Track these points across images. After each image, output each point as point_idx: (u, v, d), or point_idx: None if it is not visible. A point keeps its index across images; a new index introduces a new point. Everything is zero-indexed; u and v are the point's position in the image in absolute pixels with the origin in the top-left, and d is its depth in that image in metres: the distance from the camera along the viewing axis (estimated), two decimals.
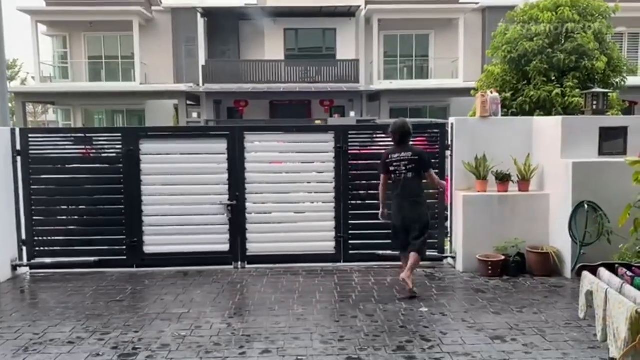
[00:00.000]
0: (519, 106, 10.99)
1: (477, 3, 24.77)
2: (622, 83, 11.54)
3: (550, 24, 10.89)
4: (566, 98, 10.65)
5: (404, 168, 5.76)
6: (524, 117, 8.75)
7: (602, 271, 3.74)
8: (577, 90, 10.54)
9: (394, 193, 5.89)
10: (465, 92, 16.95)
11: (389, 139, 7.19)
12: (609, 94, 8.43)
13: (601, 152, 6.36)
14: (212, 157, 6.93)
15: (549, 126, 6.65)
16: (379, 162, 7.00)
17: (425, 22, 24.54)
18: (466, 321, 4.91)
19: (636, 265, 3.88)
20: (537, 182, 6.74)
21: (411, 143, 6.04)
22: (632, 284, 3.49)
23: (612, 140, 6.36)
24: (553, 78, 11.07)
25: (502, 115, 7.60)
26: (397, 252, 6.16)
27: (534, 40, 10.93)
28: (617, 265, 3.84)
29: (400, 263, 6.72)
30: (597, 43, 10.84)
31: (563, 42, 11.05)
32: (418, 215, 5.81)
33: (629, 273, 3.65)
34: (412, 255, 5.72)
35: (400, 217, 5.82)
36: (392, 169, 5.81)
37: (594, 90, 7.21)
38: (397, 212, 5.85)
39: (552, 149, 6.45)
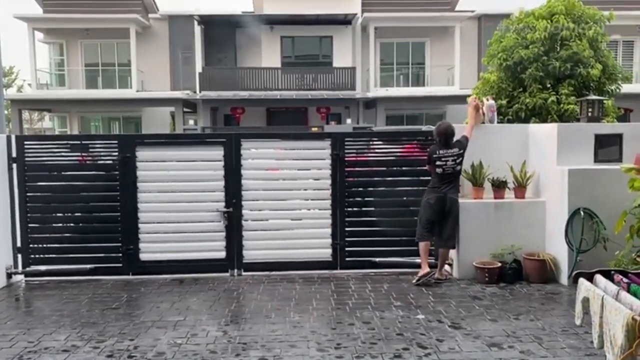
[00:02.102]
0: (515, 113, 11.03)
1: (472, 11, 24.90)
2: (617, 90, 11.59)
3: (545, 31, 10.95)
4: (561, 105, 10.69)
5: (452, 162, 6.30)
6: (519, 124, 8.77)
7: (599, 278, 3.74)
8: (573, 98, 10.58)
9: (436, 186, 6.36)
10: (461, 99, 16.97)
11: (385, 146, 7.25)
12: (604, 102, 8.45)
13: (597, 159, 6.37)
14: (208, 164, 6.92)
15: (544, 133, 6.67)
16: (375, 169, 7.08)
17: (421, 30, 24.65)
18: (463, 328, 4.90)
19: (632, 272, 3.88)
20: (533, 189, 6.75)
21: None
22: (628, 291, 3.49)
23: (607, 147, 6.39)
24: (548, 85, 11.11)
25: (498, 122, 7.62)
26: (394, 259, 6.20)
27: (530, 48, 10.98)
28: (613, 272, 3.84)
29: (397, 270, 6.75)
30: (591, 51, 10.89)
31: (558, 49, 11.10)
32: (456, 212, 6.38)
33: (625, 280, 3.65)
34: (445, 252, 6.43)
35: (440, 210, 6.31)
36: (439, 163, 6.27)
37: (589, 97, 7.24)
38: (436, 205, 6.29)
39: (548, 156, 6.47)
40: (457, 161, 6.33)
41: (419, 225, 6.44)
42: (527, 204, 6.59)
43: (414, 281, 6.27)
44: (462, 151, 6.36)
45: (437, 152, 6.33)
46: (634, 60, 25.02)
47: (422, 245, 6.38)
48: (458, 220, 6.44)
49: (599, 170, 6.15)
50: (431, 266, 6.40)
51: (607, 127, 6.96)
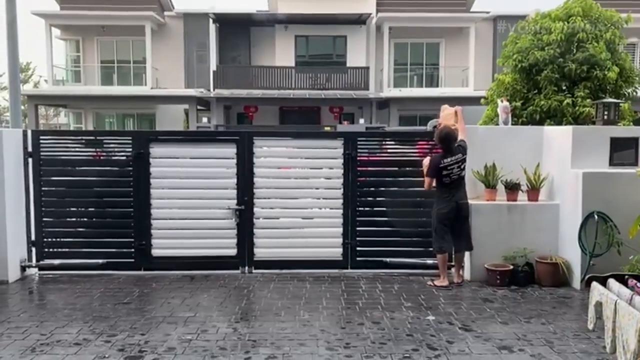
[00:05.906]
0: (530, 115, 10.94)
1: (488, 12, 24.76)
2: (634, 94, 11.46)
3: (561, 33, 10.85)
4: (577, 108, 10.59)
5: (457, 169, 6.22)
6: (534, 127, 8.70)
7: (612, 282, 3.71)
8: (588, 100, 10.47)
9: (447, 195, 6.26)
10: (475, 100, 16.90)
11: (398, 146, 7.23)
12: (621, 105, 8.35)
13: (612, 163, 6.31)
14: (221, 161, 6.96)
15: (559, 136, 6.62)
16: (387, 169, 7.03)
17: (435, 31, 24.56)
18: (473, 330, 4.88)
19: None
20: (547, 192, 6.70)
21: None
22: None
23: (623, 150, 6.32)
24: (564, 88, 11.00)
25: (512, 124, 7.57)
26: (405, 260, 6.13)
27: (545, 50, 10.88)
28: (627, 277, 3.81)
29: (408, 270, 6.72)
30: (608, 53, 10.77)
31: (574, 51, 10.99)
32: (468, 215, 6.35)
33: (639, 284, 3.61)
34: (461, 256, 6.43)
35: (454, 218, 6.25)
36: (445, 172, 6.21)
37: (605, 100, 7.17)
38: (451, 213, 6.23)
39: (562, 158, 6.42)
40: (462, 167, 6.25)
41: (436, 236, 6.32)
42: (540, 207, 6.54)
43: (429, 282, 6.31)
44: (464, 156, 6.29)
45: (442, 162, 6.20)
46: None
47: (442, 257, 6.30)
48: (470, 222, 6.41)
49: (614, 173, 6.08)
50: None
51: (623, 130, 6.89)
